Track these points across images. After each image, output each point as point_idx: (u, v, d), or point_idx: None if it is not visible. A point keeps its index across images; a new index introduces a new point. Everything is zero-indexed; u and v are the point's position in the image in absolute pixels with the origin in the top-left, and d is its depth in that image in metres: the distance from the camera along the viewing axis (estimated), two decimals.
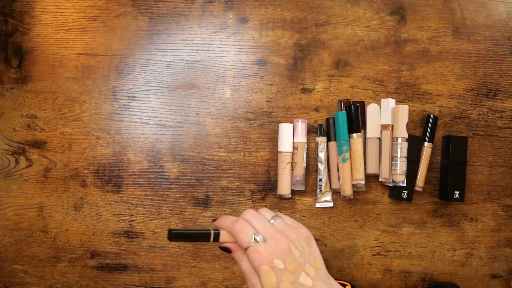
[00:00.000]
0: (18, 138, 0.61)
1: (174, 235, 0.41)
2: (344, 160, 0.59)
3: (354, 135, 0.59)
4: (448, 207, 0.63)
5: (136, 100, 0.62)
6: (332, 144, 0.60)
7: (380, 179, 0.60)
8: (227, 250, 0.43)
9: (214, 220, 0.45)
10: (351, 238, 0.62)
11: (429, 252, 0.62)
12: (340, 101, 0.61)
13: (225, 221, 0.43)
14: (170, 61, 0.62)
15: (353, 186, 0.60)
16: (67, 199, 0.61)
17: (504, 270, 0.63)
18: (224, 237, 0.43)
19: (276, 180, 0.62)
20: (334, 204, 0.62)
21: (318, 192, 0.61)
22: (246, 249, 0.41)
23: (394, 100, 0.60)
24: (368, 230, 0.62)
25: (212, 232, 0.42)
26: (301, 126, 0.60)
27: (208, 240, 0.42)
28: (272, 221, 0.44)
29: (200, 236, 0.42)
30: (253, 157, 0.62)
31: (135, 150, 0.61)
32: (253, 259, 0.40)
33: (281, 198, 0.61)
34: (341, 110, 0.61)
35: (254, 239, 0.41)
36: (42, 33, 0.62)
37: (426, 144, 0.61)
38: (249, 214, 0.44)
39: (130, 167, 0.61)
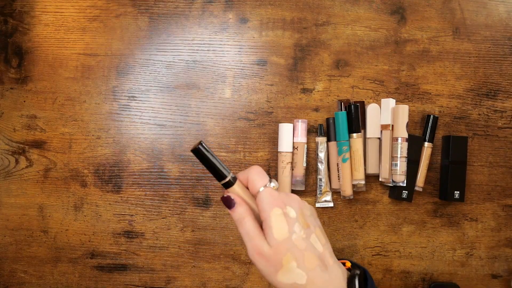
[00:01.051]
0: (18, 138, 0.61)
1: (200, 149, 0.37)
2: (344, 160, 0.59)
3: (354, 135, 0.59)
4: (448, 207, 0.63)
5: (136, 100, 0.62)
6: (332, 144, 0.60)
7: (380, 179, 0.60)
8: (230, 202, 0.38)
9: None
10: (351, 238, 0.62)
11: (429, 252, 0.62)
12: (340, 101, 0.61)
13: (242, 173, 0.39)
14: (170, 61, 0.62)
15: (353, 186, 0.60)
16: (67, 199, 0.61)
17: (504, 270, 0.63)
18: (237, 187, 0.38)
19: (276, 180, 0.61)
20: (334, 204, 0.62)
21: (318, 192, 0.61)
22: (257, 193, 0.37)
23: (394, 100, 0.60)
24: (368, 230, 0.62)
25: (230, 176, 0.38)
26: (301, 126, 0.60)
27: (220, 179, 0.38)
28: None
29: (218, 169, 0.38)
30: (253, 157, 0.62)
31: (135, 150, 0.61)
32: (265, 200, 0.36)
33: None
34: (341, 110, 0.61)
35: (269, 183, 0.37)
36: (42, 33, 0.62)
37: (426, 144, 0.61)
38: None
39: (130, 167, 0.61)
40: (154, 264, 0.61)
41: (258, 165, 0.48)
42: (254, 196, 0.38)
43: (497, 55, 0.63)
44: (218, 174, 0.38)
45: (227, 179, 0.38)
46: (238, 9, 0.62)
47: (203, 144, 0.37)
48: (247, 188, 0.39)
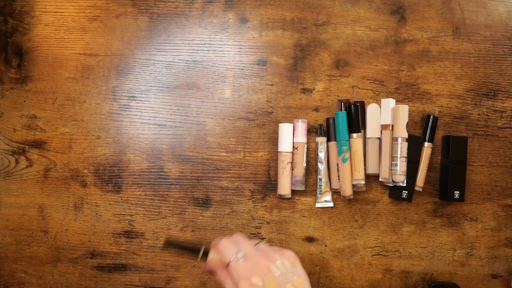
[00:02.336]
0: (18, 138, 0.61)
1: (166, 243, 0.45)
2: (344, 160, 0.59)
3: (354, 135, 0.59)
4: (448, 207, 0.63)
5: (136, 100, 0.62)
6: (332, 144, 0.60)
7: (380, 179, 0.60)
8: (211, 272, 0.45)
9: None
10: (351, 238, 0.62)
11: (429, 252, 0.62)
12: (340, 101, 0.61)
13: (214, 241, 0.46)
14: (170, 61, 0.62)
15: (353, 186, 0.60)
16: (67, 199, 0.61)
17: (504, 270, 0.63)
18: (212, 256, 0.45)
19: (276, 180, 0.61)
20: (334, 204, 0.62)
21: (318, 192, 0.61)
22: (227, 266, 0.43)
23: (394, 100, 0.60)
24: (368, 230, 0.62)
25: (203, 249, 0.45)
26: (301, 126, 0.60)
27: (196, 256, 0.45)
28: (256, 246, 0.47)
29: (191, 249, 0.46)
30: (253, 157, 0.62)
31: (135, 150, 0.61)
32: (233, 275, 0.42)
33: (281, 198, 0.61)
34: (341, 110, 0.61)
35: (235, 256, 0.43)
36: (42, 33, 0.62)
37: (426, 144, 0.61)
38: (236, 235, 0.47)
39: (130, 167, 0.61)
40: (154, 264, 0.61)
41: (239, 232, 0.52)
42: (226, 269, 0.45)
43: (497, 55, 0.63)
44: (192, 255, 0.46)
45: (200, 254, 0.45)
46: (238, 9, 0.62)
47: (169, 239, 0.45)
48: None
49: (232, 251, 0.44)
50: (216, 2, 0.62)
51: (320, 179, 0.61)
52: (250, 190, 0.61)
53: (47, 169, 0.61)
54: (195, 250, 0.45)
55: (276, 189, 0.61)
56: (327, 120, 0.61)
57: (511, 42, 0.63)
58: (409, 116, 0.60)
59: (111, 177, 0.61)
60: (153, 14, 0.62)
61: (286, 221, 0.62)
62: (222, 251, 0.44)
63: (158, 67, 0.62)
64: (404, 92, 0.62)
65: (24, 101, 0.61)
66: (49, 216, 0.61)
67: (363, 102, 0.61)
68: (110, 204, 0.61)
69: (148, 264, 0.61)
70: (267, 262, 0.43)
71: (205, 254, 0.45)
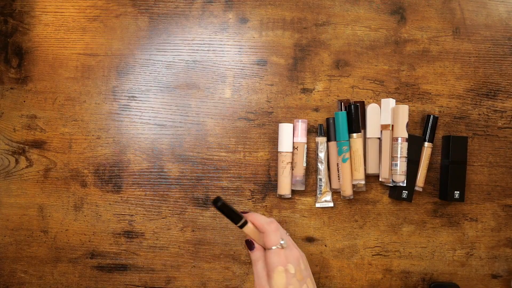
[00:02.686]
0: (18, 138, 0.61)
1: (221, 205, 0.45)
2: (344, 160, 0.59)
3: (354, 135, 0.59)
4: (448, 207, 0.63)
5: (136, 100, 0.62)
6: (332, 144, 0.60)
7: (380, 179, 0.60)
8: (251, 246, 0.48)
9: (244, 212, 0.50)
10: (351, 238, 0.62)
11: (429, 252, 0.62)
12: (340, 101, 0.61)
13: (260, 218, 0.48)
14: (170, 61, 0.62)
15: (353, 186, 0.60)
16: (67, 199, 0.61)
17: (504, 270, 0.63)
18: (248, 229, 0.47)
19: (276, 180, 0.61)
20: (334, 204, 0.62)
21: (318, 192, 0.61)
22: (268, 249, 0.46)
23: (394, 100, 0.60)
24: (368, 230, 0.62)
25: (243, 220, 0.47)
26: (301, 126, 0.60)
27: (236, 223, 0.47)
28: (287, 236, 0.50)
29: (234, 217, 0.47)
30: (253, 157, 0.62)
31: (135, 150, 0.61)
32: (272, 259, 0.46)
33: (281, 198, 0.61)
34: (341, 110, 0.61)
35: (281, 243, 0.46)
36: (42, 33, 0.62)
37: (426, 144, 0.61)
38: (277, 222, 0.49)
39: (130, 167, 0.61)
40: (154, 264, 0.61)
41: (273, 218, 0.54)
42: (263, 250, 0.48)
43: (497, 55, 0.63)
44: (231, 220, 0.47)
45: (237, 225, 0.47)
46: (238, 9, 0.62)
47: (221, 203, 0.45)
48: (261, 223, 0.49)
49: (279, 237, 0.47)
50: (216, 2, 0.62)
51: (320, 179, 0.61)
52: (250, 190, 0.61)
53: (47, 169, 0.61)
54: (237, 218, 0.47)
55: (276, 189, 0.61)
56: (327, 120, 0.61)
57: (511, 42, 0.63)
58: (409, 116, 0.60)
59: (111, 177, 0.61)
60: (153, 14, 0.62)
61: (286, 221, 0.62)
62: (269, 233, 0.47)
63: (158, 67, 0.62)
64: (404, 92, 0.62)
65: (24, 101, 0.61)
66: (49, 216, 0.61)
67: (363, 102, 0.61)
68: (110, 204, 0.61)
69: (148, 264, 0.61)
70: (298, 255, 0.48)
71: (245, 223, 0.47)
